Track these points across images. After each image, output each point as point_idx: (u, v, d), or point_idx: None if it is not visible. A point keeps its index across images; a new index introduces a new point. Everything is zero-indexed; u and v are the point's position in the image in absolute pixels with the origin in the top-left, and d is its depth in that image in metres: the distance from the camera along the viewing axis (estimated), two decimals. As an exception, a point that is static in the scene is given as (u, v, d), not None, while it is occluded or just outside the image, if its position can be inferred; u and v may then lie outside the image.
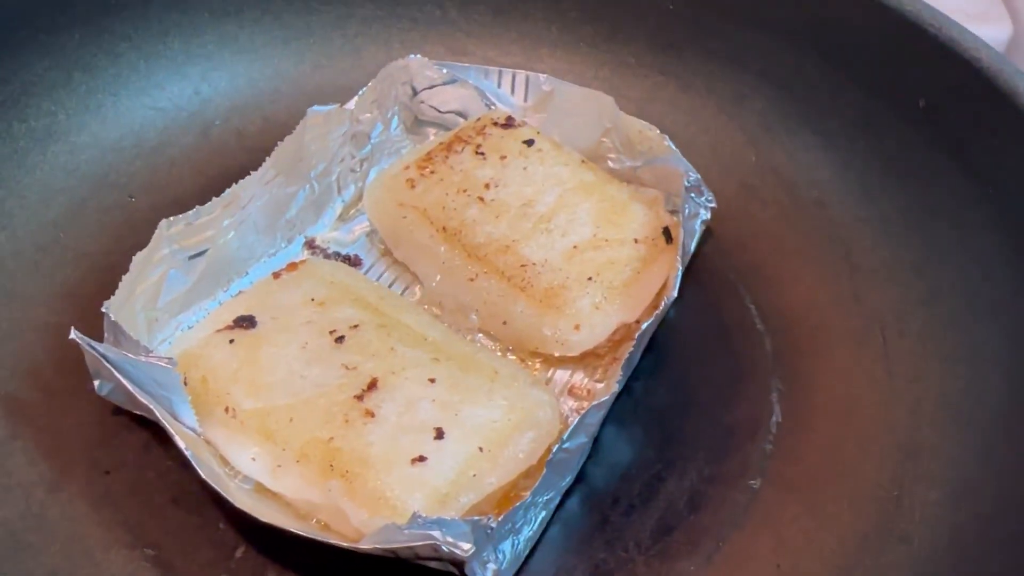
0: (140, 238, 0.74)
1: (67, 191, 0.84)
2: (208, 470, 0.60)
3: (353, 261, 0.84)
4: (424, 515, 0.56)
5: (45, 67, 0.86)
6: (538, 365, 0.77)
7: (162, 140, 0.90)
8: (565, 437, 0.62)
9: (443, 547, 0.55)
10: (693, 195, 0.82)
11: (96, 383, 0.67)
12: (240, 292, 0.76)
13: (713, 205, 0.85)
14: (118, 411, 0.70)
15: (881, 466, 0.69)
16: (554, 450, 0.61)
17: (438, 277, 0.80)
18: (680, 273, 0.75)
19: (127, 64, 0.90)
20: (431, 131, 0.95)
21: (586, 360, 0.77)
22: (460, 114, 0.94)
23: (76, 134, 0.87)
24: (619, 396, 0.75)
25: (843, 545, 0.64)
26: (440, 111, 0.94)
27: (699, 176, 0.83)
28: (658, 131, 0.84)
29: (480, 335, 0.78)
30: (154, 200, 0.86)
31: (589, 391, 0.75)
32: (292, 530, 0.59)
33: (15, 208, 0.81)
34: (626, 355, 0.69)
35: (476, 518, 0.57)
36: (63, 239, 0.81)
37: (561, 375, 0.76)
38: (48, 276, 0.79)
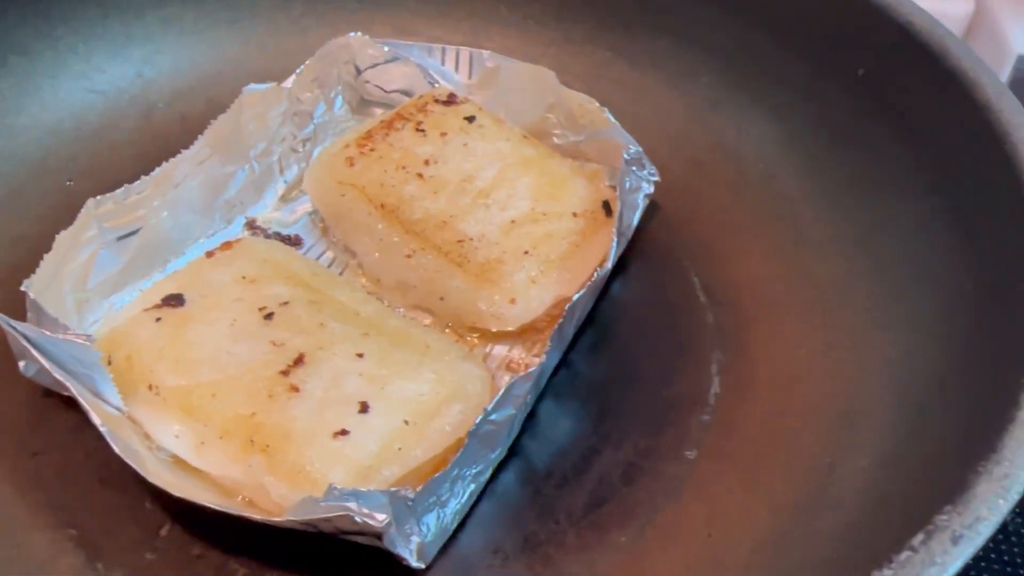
0: (78, 222, 0.73)
1: (4, 175, 0.83)
2: (124, 446, 0.60)
3: (293, 241, 0.83)
4: (340, 487, 0.55)
5: (-18, 51, 0.85)
6: (476, 340, 0.76)
7: (103, 124, 0.89)
8: (490, 408, 0.61)
9: (358, 518, 0.55)
10: (635, 168, 0.82)
11: (21, 364, 0.67)
12: (173, 272, 0.75)
13: (656, 179, 0.84)
14: (48, 393, 0.69)
15: (817, 436, 0.68)
16: (478, 420, 0.61)
17: (376, 255, 0.79)
18: (615, 245, 0.74)
19: (66, 47, 0.89)
20: (377, 111, 0.94)
21: (525, 335, 0.76)
22: (405, 93, 0.93)
23: (13, 117, 0.86)
24: (559, 371, 0.75)
25: (775, 514, 0.63)
26: (385, 90, 0.94)
27: (640, 149, 0.82)
28: (597, 104, 0.84)
29: (418, 312, 0.77)
30: (94, 184, 0.84)
31: (527, 366, 0.74)
32: (210, 505, 0.58)
33: (-52, 192, 0.80)
34: (554, 325, 0.68)
35: (395, 489, 0.56)
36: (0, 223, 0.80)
37: (499, 351, 0.76)
38: (-18, 260, 0.78)
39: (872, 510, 0.59)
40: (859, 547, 0.57)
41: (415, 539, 0.59)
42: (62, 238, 0.69)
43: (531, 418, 0.71)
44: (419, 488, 0.57)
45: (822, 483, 0.64)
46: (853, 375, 0.71)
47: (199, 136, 0.80)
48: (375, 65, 0.92)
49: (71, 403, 0.69)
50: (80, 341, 0.61)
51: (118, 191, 0.73)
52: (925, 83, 0.74)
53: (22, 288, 0.65)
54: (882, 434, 0.64)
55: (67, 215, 0.81)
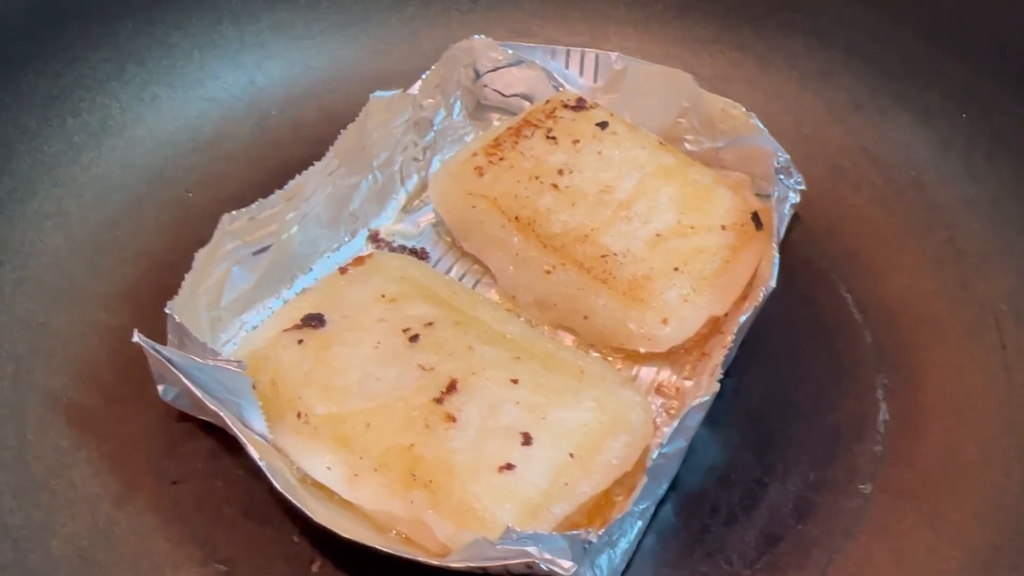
0: (199, 234, 0.69)
1: (123, 187, 0.81)
2: (283, 480, 0.56)
3: (420, 254, 0.79)
4: (517, 529, 0.51)
5: (98, 59, 0.83)
6: (620, 363, 0.72)
7: (218, 133, 0.87)
8: (664, 441, 0.57)
9: (541, 564, 0.51)
10: (782, 177, 0.77)
11: (161, 388, 0.64)
12: (306, 289, 0.72)
13: (802, 188, 0.79)
14: (183, 417, 0.66)
15: (1007, 470, 0.63)
16: (654, 456, 0.56)
17: (511, 269, 0.75)
18: (777, 260, 0.69)
19: (181, 54, 0.87)
20: (494, 116, 0.90)
21: (672, 356, 0.72)
22: (525, 97, 0.89)
23: (131, 128, 0.83)
24: (709, 396, 0.70)
25: (971, 557, 0.58)
26: (504, 95, 0.90)
27: (788, 157, 0.77)
28: (743, 108, 0.79)
29: (559, 331, 0.73)
30: (211, 195, 0.82)
31: (678, 389, 0.70)
32: (376, 546, 0.54)
33: (71, 206, 0.78)
34: (724, 351, 0.64)
35: (575, 532, 0.52)
36: (120, 237, 0.78)
37: (647, 372, 0.71)
38: (106, 276, 0.75)
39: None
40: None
41: (589, 583, 0.55)
42: (200, 257, 0.66)
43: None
44: (600, 531, 0.53)
45: (1019, 523, 0.59)
46: (1039, 402, 0.66)
47: (321, 146, 0.77)
48: (496, 68, 0.88)
49: (207, 428, 0.66)
50: (232, 367, 0.57)
51: (252, 206, 0.70)
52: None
53: (166, 310, 0.62)
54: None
55: (187, 227, 0.79)
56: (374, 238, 0.81)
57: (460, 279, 0.78)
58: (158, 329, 0.64)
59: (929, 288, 0.76)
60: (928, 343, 0.72)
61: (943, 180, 0.81)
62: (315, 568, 0.60)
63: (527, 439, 0.59)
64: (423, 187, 0.84)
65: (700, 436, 0.68)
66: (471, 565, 0.53)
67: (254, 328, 0.70)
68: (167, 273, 0.70)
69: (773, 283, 0.68)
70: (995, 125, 0.78)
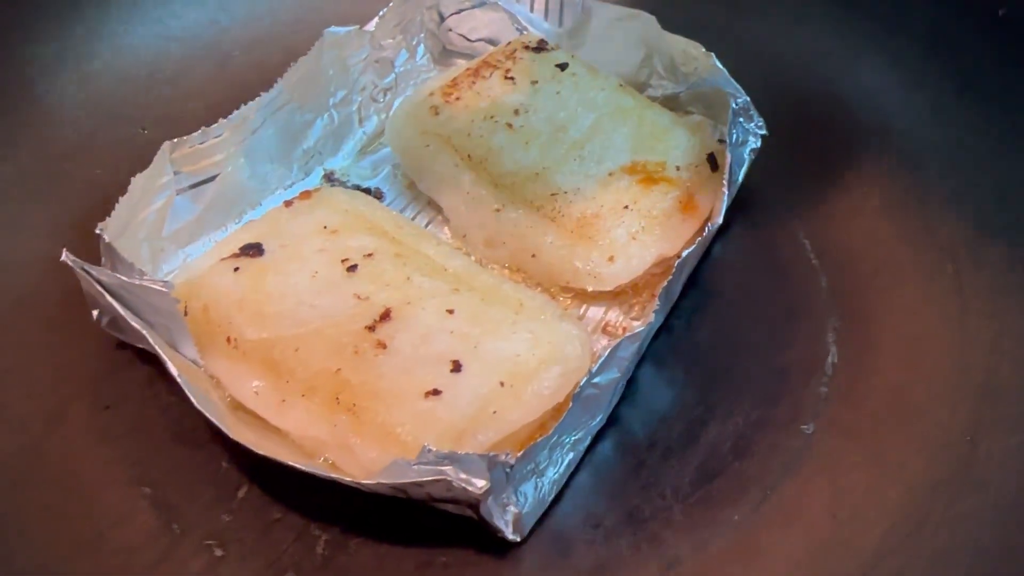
0: (151, 170, 0.69)
1: (76, 122, 0.80)
2: (201, 399, 0.55)
3: (375, 194, 0.78)
4: (436, 449, 0.50)
5: (54, -7, 0.82)
6: (569, 301, 0.70)
7: (177, 72, 0.86)
8: (594, 371, 0.56)
9: (455, 483, 0.50)
10: (742, 120, 0.75)
11: (95, 313, 0.63)
12: (250, 221, 0.71)
13: (763, 132, 0.77)
14: (121, 345, 0.66)
15: (953, 409, 0.61)
16: (582, 384, 0.55)
17: (463, 208, 0.74)
18: (726, 200, 0.68)
19: (140, -9, 0.86)
20: (460, 61, 0.88)
21: (622, 296, 0.70)
22: (490, 42, 0.88)
23: (87, 63, 0.83)
24: (658, 334, 0.69)
25: (911, 494, 0.57)
26: (469, 39, 0.88)
27: (748, 99, 0.75)
28: (703, 49, 0.77)
29: (507, 269, 0.72)
30: (167, 133, 0.80)
31: (624, 329, 0.69)
32: (297, 466, 0.54)
33: (21, 138, 0.77)
34: (662, 283, 0.62)
35: (493, 453, 0.51)
36: (71, 170, 0.77)
37: (595, 312, 0.70)
38: (55, 207, 0.75)
39: (1030, 492, 0.52)
40: (1014, 532, 0.50)
41: (512, 509, 0.54)
42: (137, 182, 0.66)
43: (630, 384, 0.65)
44: (519, 454, 0.52)
45: (964, 461, 0.58)
46: (992, 344, 0.64)
47: (277, 80, 0.76)
48: (460, 11, 0.87)
49: (145, 356, 0.65)
50: (157, 287, 0.57)
51: (194, 134, 0.69)
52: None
53: (96, 231, 0.61)
54: (1034, 410, 0.57)
55: (140, 163, 0.77)
56: (329, 177, 0.80)
57: (414, 219, 0.77)
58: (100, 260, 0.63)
59: (891, 232, 0.74)
60: (884, 287, 0.71)
61: (909, 124, 0.79)
62: (241, 494, 0.59)
63: (456, 366, 0.58)
64: (383, 129, 0.83)
65: (646, 374, 0.67)
66: (387, 483, 0.52)
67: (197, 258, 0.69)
68: (115, 205, 0.69)
69: (719, 220, 0.66)
70: (962, 67, 0.76)
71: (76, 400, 0.64)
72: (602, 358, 0.57)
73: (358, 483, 0.53)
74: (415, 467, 0.51)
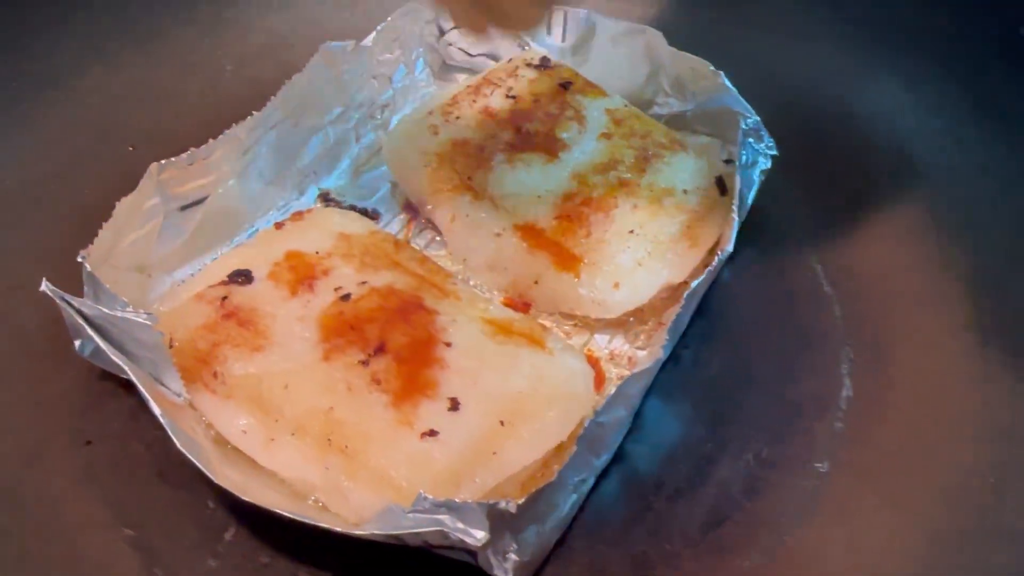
0: (138, 190, 0.66)
1: (64, 140, 0.78)
2: (186, 440, 0.53)
3: (371, 215, 0.76)
4: (432, 497, 0.47)
5: (45, 8, 0.79)
6: (573, 329, 0.68)
7: (168, 87, 0.83)
8: (600, 409, 0.53)
9: (452, 534, 0.47)
10: (751, 141, 0.72)
11: (77, 343, 0.61)
12: (240, 244, 0.68)
13: (774, 153, 0.75)
14: (105, 376, 0.63)
15: (974, 451, 0.59)
16: (587, 424, 0.52)
17: (462, 231, 0.71)
18: (736, 226, 0.65)
19: (134, 6, 0.84)
20: (460, 77, 0.86)
21: (627, 324, 0.68)
22: (492, 57, 0.85)
23: (76, 78, 0.80)
24: (665, 365, 0.66)
25: (934, 543, 0.54)
26: (470, 54, 0.86)
27: (759, 119, 0.73)
28: (712, 67, 0.74)
29: (509, 295, 0.69)
30: (157, 151, 0.77)
31: (630, 359, 0.66)
32: (284, 513, 0.51)
33: (7, 158, 0.75)
34: (673, 317, 0.59)
35: (492, 501, 0.48)
36: (57, 191, 0.74)
37: (600, 340, 0.67)
38: (41, 231, 0.72)
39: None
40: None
41: (512, 557, 0.51)
42: (122, 206, 0.63)
43: (636, 418, 0.62)
44: (520, 502, 0.49)
45: (990, 509, 0.55)
46: (1015, 381, 0.62)
47: (271, 98, 0.73)
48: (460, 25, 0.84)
49: (130, 387, 0.62)
50: (141, 320, 0.54)
51: (183, 155, 0.66)
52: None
53: (78, 259, 0.58)
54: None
55: (128, 183, 0.75)
56: (324, 197, 0.77)
57: (410, 241, 0.74)
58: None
59: (906, 261, 0.71)
60: (900, 318, 0.68)
61: (925, 147, 0.76)
62: (228, 536, 0.56)
63: (454, 404, 0.55)
64: (380, 146, 0.80)
65: (652, 408, 0.64)
66: (382, 533, 0.49)
67: (183, 283, 0.66)
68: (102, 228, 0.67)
69: (730, 248, 0.64)
70: (982, 90, 0.74)
71: (56, 435, 0.61)
72: (608, 396, 0.54)
73: (350, 532, 0.50)
74: (410, 515, 0.48)
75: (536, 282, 0.68)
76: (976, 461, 0.58)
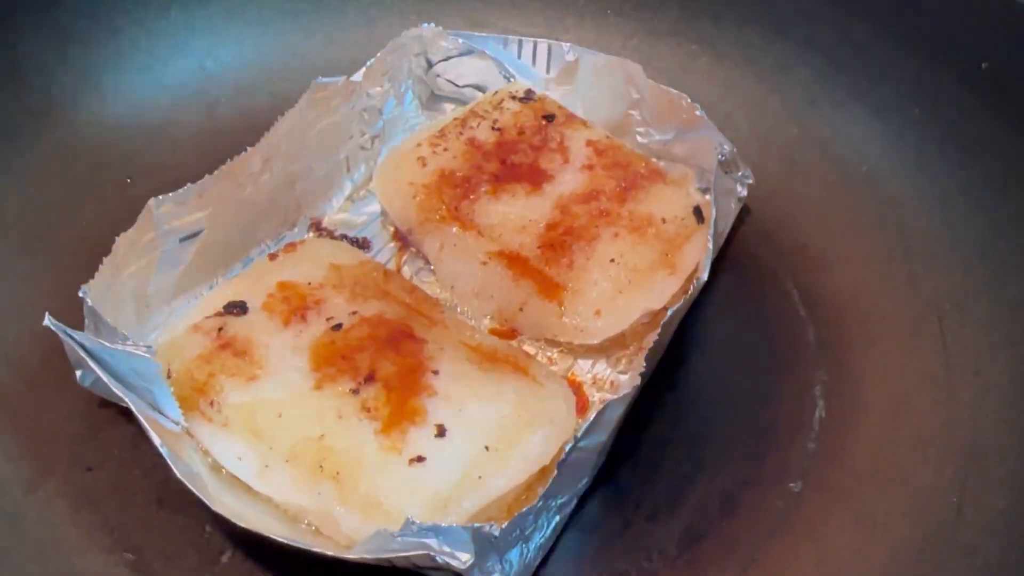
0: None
1: (61, 173, 0.80)
2: (184, 468, 0.55)
3: (361, 244, 0.78)
4: (420, 521, 0.50)
5: (39, 41, 0.81)
6: (556, 355, 0.70)
7: (164, 119, 0.86)
8: (580, 435, 0.56)
9: (439, 557, 0.50)
10: (727, 171, 0.75)
11: (78, 373, 0.63)
12: (234, 276, 0.70)
13: (750, 181, 0.78)
14: (105, 404, 0.65)
15: (939, 470, 0.61)
16: (567, 449, 0.55)
17: (449, 260, 0.74)
18: (711, 254, 0.68)
19: (127, 38, 0.86)
20: (448, 106, 0.89)
21: (609, 350, 0.70)
22: (479, 88, 0.88)
23: (72, 111, 0.82)
24: (644, 388, 0.68)
25: (896, 558, 0.57)
26: (457, 85, 0.89)
27: (734, 149, 0.76)
28: (689, 99, 0.77)
29: (495, 321, 0.72)
30: (154, 183, 0.80)
31: (612, 383, 0.69)
32: (277, 538, 0.53)
33: (5, 189, 0.77)
34: (651, 343, 0.62)
35: (477, 525, 0.51)
36: (55, 223, 0.77)
37: (582, 366, 0.70)
38: (39, 262, 0.74)
39: (1017, 559, 0.52)
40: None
41: (497, 577, 0.54)
42: (121, 241, 0.65)
43: (616, 440, 0.65)
44: (504, 524, 0.52)
45: (950, 526, 0.57)
46: (976, 403, 0.64)
47: (265, 133, 0.76)
48: (448, 58, 0.86)
49: (129, 415, 0.64)
50: (140, 353, 0.56)
51: (180, 191, 0.68)
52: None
53: (80, 294, 0.61)
54: (1020, 472, 0.57)
55: (126, 215, 0.77)
56: (316, 227, 0.80)
57: (399, 270, 0.77)
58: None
59: (876, 285, 0.74)
60: (871, 341, 0.71)
61: (895, 175, 0.79)
62: (224, 559, 0.59)
63: (441, 431, 0.58)
64: (371, 177, 0.83)
65: (630, 429, 0.67)
66: (371, 556, 0.51)
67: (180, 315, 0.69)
68: (100, 260, 0.69)
69: (704, 276, 0.66)
70: (946, 119, 0.77)
71: (57, 461, 0.63)
72: (588, 421, 0.57)
73: (340, 555, 0.52)
74: (399, 539, 0.50)
75: (521, 309, 0.70)
76: (938, 479, 0.60)
